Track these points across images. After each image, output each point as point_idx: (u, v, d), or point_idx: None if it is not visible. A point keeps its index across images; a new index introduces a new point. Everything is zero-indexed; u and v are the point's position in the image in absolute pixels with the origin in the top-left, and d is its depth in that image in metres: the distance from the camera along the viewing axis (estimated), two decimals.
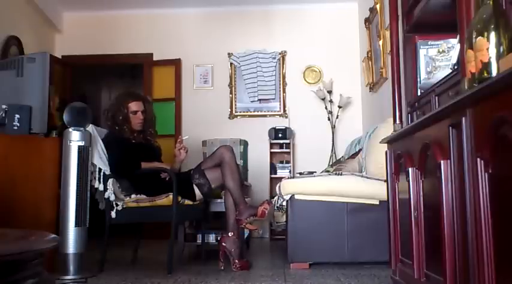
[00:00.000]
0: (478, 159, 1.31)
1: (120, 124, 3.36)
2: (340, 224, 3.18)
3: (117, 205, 3.18)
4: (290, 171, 5.46)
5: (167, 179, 3.23)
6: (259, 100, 5.83)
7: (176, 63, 5.88)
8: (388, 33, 3.72)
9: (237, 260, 3.15)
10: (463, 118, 1.40)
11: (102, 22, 5.96)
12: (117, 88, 8.20)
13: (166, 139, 5.06)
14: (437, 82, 2.14)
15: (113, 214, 3.16)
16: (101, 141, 3.24)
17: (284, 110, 5.80)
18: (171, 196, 3.14)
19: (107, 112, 3.46)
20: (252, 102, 5.83)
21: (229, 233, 3.20)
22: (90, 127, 3.10)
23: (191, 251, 4.20)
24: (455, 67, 1.98)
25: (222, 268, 3.16)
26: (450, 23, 1.84)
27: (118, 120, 3.37)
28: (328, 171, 3.91)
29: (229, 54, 5.88)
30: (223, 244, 3.18)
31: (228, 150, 3.30)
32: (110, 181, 3.17)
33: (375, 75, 4.93)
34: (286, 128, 5.55)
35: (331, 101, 5.60)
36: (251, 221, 3.17)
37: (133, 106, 3.41)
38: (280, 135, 5.52)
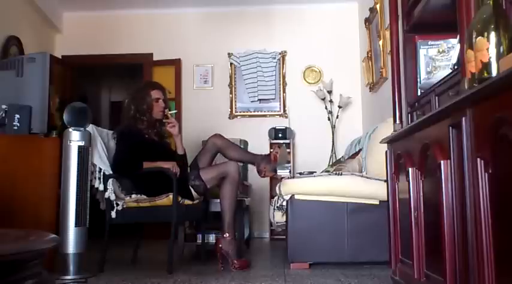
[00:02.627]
0: (478, 159, 1.31)
1: (142, 113, 3.38)
2: (340, 224, 3.18)
3: (117, 205, 3.17)
4: (290, 171, 5.46)
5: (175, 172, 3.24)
6: (259, 100, 5.83)
7: (176, 63, 5.88)
8: (388, 33, 3.73)
9: (235, 261, 3.14)
10: (463, 118, 1.40)
11: (102, 22, 5.96)
12: (117, 88, 8.22)
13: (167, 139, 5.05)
14: (437, 82, 2.14)
15: (113, 214, 3.16)
16: (101, 140, 3.24)
17: (284, 110, 5.80)
18: (171, 196, 3.14)
19: (130, 101, 3.46)
20: (252, 102, 5.83)
21: (225, 235, 3.18)
22: (90, 127, 3.10)
23: (191, 251, 4.20)
24: (455, 67, 1.98)
25: (222, 269, 3.15)
26: (450, 23, 1.84)
27: (141, 108, 3.39)
28: (328, 171, 3.91)
29: (229, 54, 5.88)
30: (219, 245, 3.17)
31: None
32: (110, 181, 3.17)
33: (375, 75, 4.93)
34: (286, 128, 5.55)
35: (331, 101, 5.59)
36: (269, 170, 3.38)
37: (155, 93, 3.45)
38: (280, 135, 5.52)
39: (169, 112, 3.54)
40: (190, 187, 3.27)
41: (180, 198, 3.18)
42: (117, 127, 3.51)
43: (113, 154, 3.32)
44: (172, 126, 3.49)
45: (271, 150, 3.29)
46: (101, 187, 3.13)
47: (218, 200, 3.62)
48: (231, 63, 5.89)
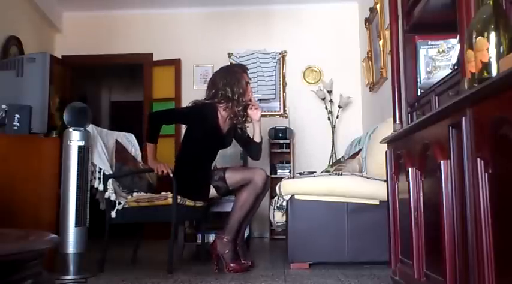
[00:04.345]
0: (478, 159, 1.31)
1: (239, 96, 3.21)
2: (340, 225, 3.18)
3: (119, 203, 3.16)
4: (290, 171, 5.46)
5: (159, 174, 3.16)
6: (259, 100, 5.81)
7: (176, 63, 5.88)
8: (388, 33, 3.73)
9: (231, 264, 3.06)
10: (463, 118, 1.40)
11: (102, 22, 5.96)
12: (117, 88, 8.22)
13: (166, 139, 5.05)
14: (437, 82, 2.14)
15: (113, 214, 3.15)
16: (101, 140, 3.24)
17: (284, 110, 5.80)
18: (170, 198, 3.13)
19: (225, 84, 3.23)
20: None
21: (223, 236, 3.12)
22: (90, 127, 3.11)
23: (191, 251, 4.20)
24: (455, 67, 1.98)
25: (216, 270, 3.09)
26: (450, 23, 1.84)
27: (238, 92, 3.21)
28: (328, 171, 3.91)
29: (229, 54, 5.88)
30: (215, 246, 3.12)
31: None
32: (110, 181, 3.16)
33: (375, 75, 4.93)
34: (286, 128, 5.55)
35: (331, 101, 5.59)
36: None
37: (246, 77, 3.31)
38: (280, 135, 5.52)
39: (253, 96, 3.42)
40: (212, 187, 3.22)
41: (180, 198, 3.15)
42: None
43: (112, 153, 3.33)
44: (255, 108, 3.33)
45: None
46: (101, 187, 3.13)
47: (219, 200, 3.62)
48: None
